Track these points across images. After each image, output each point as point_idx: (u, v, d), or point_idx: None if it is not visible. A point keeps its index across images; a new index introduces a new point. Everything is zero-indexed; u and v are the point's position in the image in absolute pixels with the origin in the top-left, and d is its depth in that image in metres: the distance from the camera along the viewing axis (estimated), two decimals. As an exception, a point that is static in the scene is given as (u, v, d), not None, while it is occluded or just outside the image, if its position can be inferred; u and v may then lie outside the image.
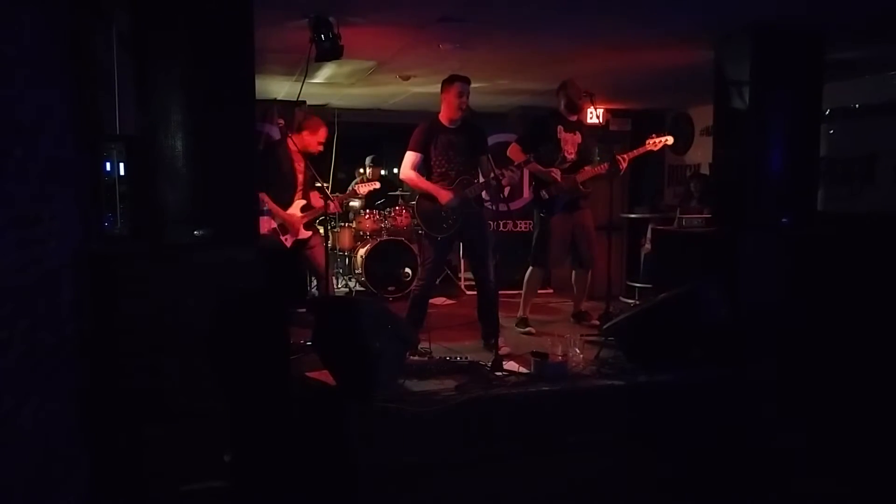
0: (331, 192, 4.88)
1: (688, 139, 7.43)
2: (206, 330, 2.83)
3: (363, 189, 5.54)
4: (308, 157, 4.76)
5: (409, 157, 4.40)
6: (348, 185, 6.96)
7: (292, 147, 4.67)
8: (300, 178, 4.79)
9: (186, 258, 2.89)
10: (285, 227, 4.75)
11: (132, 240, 2.96)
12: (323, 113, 7.10)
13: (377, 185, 5.94)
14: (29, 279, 2.04)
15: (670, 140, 5.01)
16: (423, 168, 4.41)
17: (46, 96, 2.32)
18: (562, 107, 4.97)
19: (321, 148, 4.81)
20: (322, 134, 4.74)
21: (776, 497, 3.13)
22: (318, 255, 4.92)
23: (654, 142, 4.95)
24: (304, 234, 4.82)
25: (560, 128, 4.95)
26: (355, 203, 6.88)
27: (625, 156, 4.86)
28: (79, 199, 2.64)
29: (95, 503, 2.64)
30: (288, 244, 4.77)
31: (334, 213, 4.86)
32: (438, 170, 4.37)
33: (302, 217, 4.79)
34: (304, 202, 4.83)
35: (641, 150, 4.97)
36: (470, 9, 3.75)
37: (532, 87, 6.06)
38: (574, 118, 5.01)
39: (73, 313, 2.51)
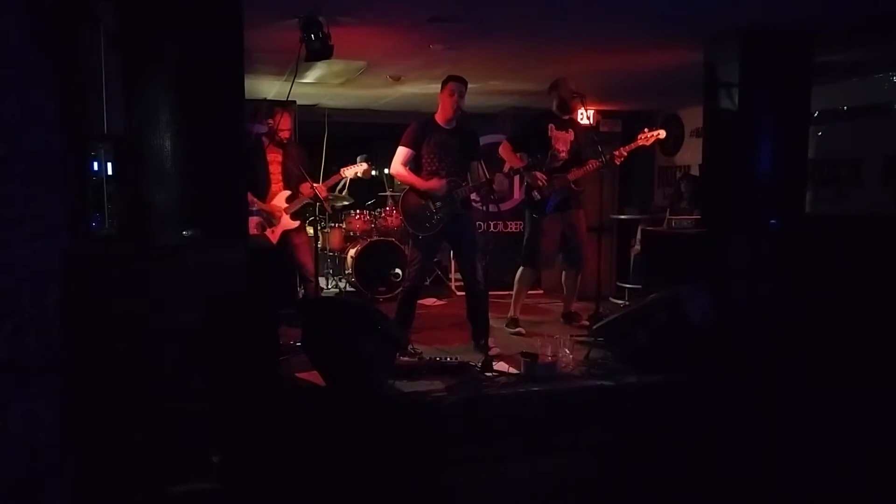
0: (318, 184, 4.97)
1: (678, 141, 7.46)
2: (195, 330, 2.82)
3: (349, 172, 5.44)
4: (283, 146, 4.93)
5: (401, 153, 4.41)
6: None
7: (263, 141, 4.84)
8: (272, 168, 4.92)
9: (175, 259, 2.86)
10: (270, 219, 4.82)
11: (120, 240, 2.93)
12: (313, 113, 7.10)
13: (364, 167, 5.58)
14: (14, 280, 2.02)
15: (662, 134, 4.98)
16: (413, 166, 4.42)
17: (33, 95, 2.29)
18: (554, 107, 4.98)
19: (289, 133, 5.03)
20: (286, 121, 4.92)
21: (768, 497, 3.14)
22: (304, 254, 4.94)
23: (646, 136, 4.93)
24: (291, 224, 4.91)
25: (551, 126, 4.95)
26: (344, 203, 6.83)
27: (621, 150, 4.86)
28: (65, 199, 2.61)
29: (82, 506, 2.62)
30: (275, 237, 4.81)
31: (319, 201, 4.87)
32: (428, 168, 4.37)
33: (287, 206, 4.88)
34: (288, 193, 4.91)
35: (633, 144, 4.96)
36: (461, 9, 3.75)
37: (523, 87, 6.06)
38: (567, 117, 5.02)
39: (60, 314, 2.48)
